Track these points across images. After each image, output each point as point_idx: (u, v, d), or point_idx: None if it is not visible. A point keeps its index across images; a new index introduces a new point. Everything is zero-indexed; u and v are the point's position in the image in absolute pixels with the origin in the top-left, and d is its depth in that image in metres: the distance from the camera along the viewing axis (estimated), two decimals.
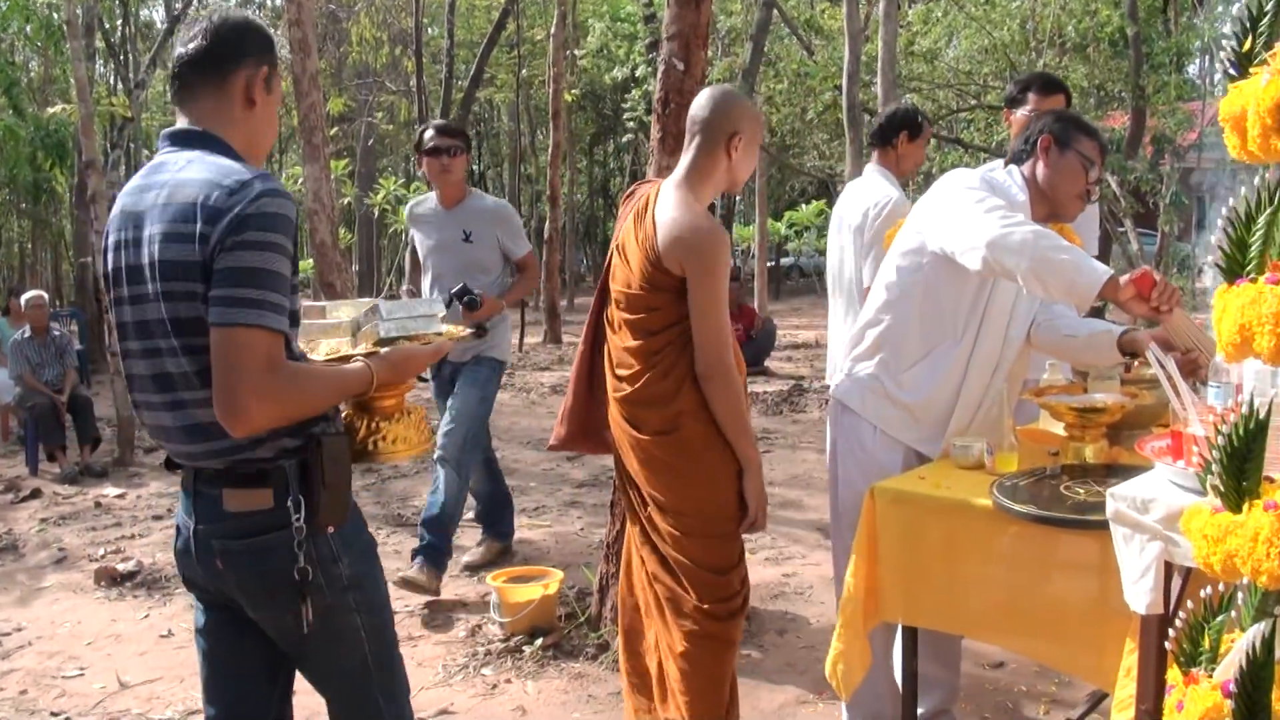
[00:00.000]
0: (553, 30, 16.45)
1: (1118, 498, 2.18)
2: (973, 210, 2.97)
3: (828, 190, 22.34)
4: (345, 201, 17.84)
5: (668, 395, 3.13)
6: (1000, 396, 2.97)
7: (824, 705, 3.99)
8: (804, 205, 23.67)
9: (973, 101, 16.05)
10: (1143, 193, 15.18)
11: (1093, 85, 15.60)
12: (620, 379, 3.23)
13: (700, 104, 3.20)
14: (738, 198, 26.64)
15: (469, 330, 2.85)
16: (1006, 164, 3.32)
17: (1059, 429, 3.10)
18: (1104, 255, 15.12)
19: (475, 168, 38.53)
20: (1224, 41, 1.58)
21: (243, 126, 2.25)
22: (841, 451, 3.39)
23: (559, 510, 7.03)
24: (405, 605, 5.24)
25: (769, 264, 23.29)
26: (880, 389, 3.28)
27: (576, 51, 19.22)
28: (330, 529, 2.24)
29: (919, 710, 3.34)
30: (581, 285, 34.63)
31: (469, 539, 6.15)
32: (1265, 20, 1.53)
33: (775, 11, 13.91)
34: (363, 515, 2.44)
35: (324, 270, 8.89)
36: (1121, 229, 15.55)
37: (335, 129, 24.52)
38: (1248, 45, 1.55)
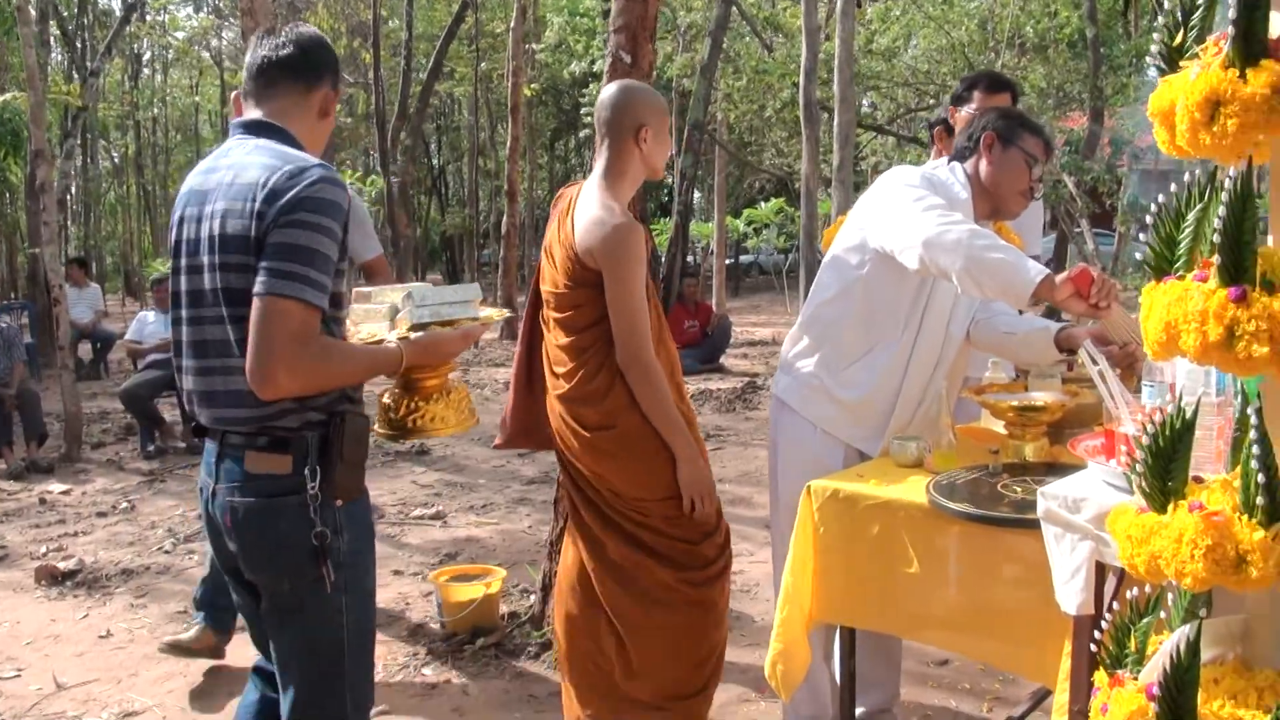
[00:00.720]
0: (512, 24, 16.36)
1: (1049, 497, 2.16)
2: (911, 209, 2.95)
3: (786, 188, 22.37)
4: None
5: (601, 391, 3.16)
6: (939, 394, 2.95)
7: (765, 704, 3.96)
8: (763, 203, 23.69)
9: (931, 101, 16.09)
10: (1100, 194, 15.27)
11: (1051, 86, 15.68)
12: (557, 376, 3.26)
13: (602, 103, 3.28)
14: (697, 194, 26.62)
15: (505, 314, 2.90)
16: (950, 161, 3.30)
17: (1000, 427, 3.08)
18: (1060, 255, 15.23)
19: (434, 162, 38.38)
20: (1154, 36, 1.55)
21: (310, 133, 2.44)
22: (782, 450, 3.37)
23: (507, 507, 6.98)
24: None
25: (728, 261, 23.30)
26: (820, 387, 3.26)
27: (535, 46, 19.12)
28: (340, 502, 2.35)
29: (860, 709, 3.32)
30: None
31: (415, 537, 6.08)
32: (1197, 14, 1.51)
33: (735, 8, 13.88)
34: (370, 501, 2.55)
35: None
36: (1078, 229, 15.65)
37: None
38: (1179, 39, 1.53)
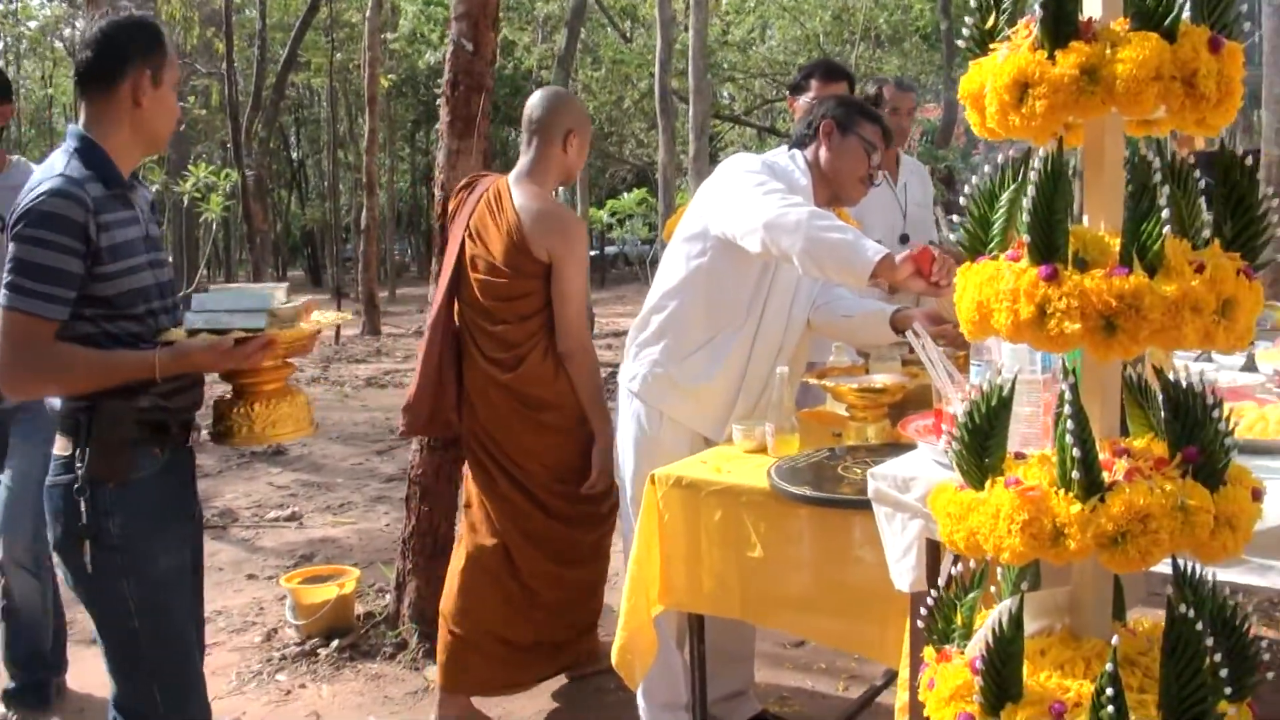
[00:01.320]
0: (368, 14, 16.08)
1: (878, 477, 2.18)
2: (751, 193, 2.96)
3: (647, 179, 22.43)
4: (154, 189, 17.07)
5: (550, 374, 3.58)
6: (781, 379, 2.97)
7: (623, 694, 3.95)
8: (625, 194, 23.72)
9: (788, 91, 16.28)
10: (957, 182, 15.65)
11: (906, 77, 16.02)
12: (495, 361, 3.58)
13: (534, 105, 3.62)
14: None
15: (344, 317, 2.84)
16: (790, 148, 3.33)
17: (843, 410, 3.12)
18: None
19: (294, 155, 37.59)
20: (965, 18, 1.57)
21: (131, 123, 2.45)
22: (629, 439, 3.36)
23: (365, 506, 6.85)
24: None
25: (594, 253, 23.28)
26: (665, 375, 3.26)
27: (390, 36, 18.82)
28: (110, 485, 2.40)
29: (715, 694, 3.33)
30: (405, 275, 34.08)
31: (270, 540, 5.93)
32: None
33: None
34: (184, 499, 2.61)
35: None
36: (933, 217, 15.97)
37: None
38: (990, 22, 1.55)
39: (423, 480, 4.49)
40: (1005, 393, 1.52)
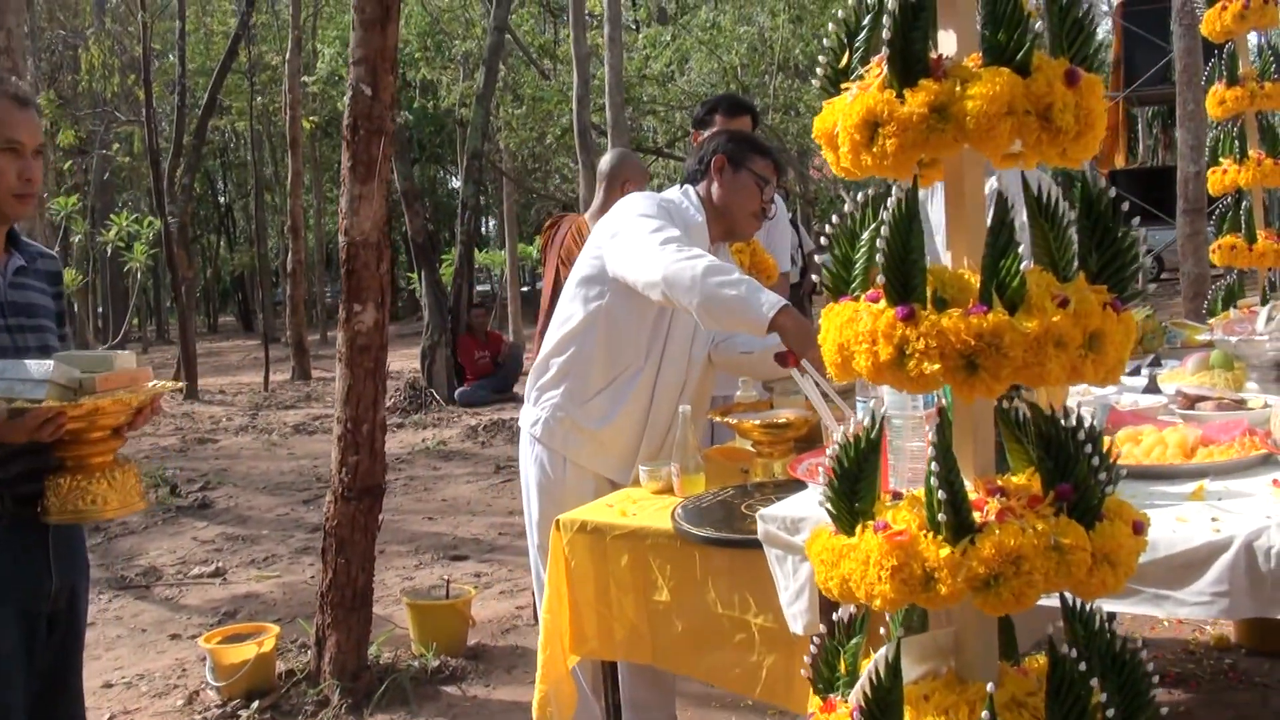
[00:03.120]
0: (287, 56, 15.98)
1: (768, 519, 2.15)
2: (648, 242, 2.93)
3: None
4: (76, 240, 16.85)
5: None
6: (684, 417, 2.94)
7: None
8: None
9: (692, 126, 16.32)
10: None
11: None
12: None
13: (604, 161, 4.80)
14: (490, 222, 26.37)
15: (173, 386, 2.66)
16: (682, 184, 3.31)
17: (751, 446, 3.08)
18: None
19: (221, 199, 37.23)
20: (820, 58, 1.55)
21: None
22: (534, 485, 3.30)
23: (290, 559, 6.72)
24: (122, 676, 4.92)
25: (524, 289, 23.22)
26: (567, 419, 3.21)
27: (308, 79, 18.69)
28: None
29: None
30: (334, 319, 33.75)
31: (194, 598, 5.78)
32: (861, 36, 1.51)
33: (509, 36, 13.85)
34: (19, 576, 2.42)
35: None
36: None
37: (69, 162, 23.21)
38: (844, 61, 1.53)
39: (338, 532, 4.40)
40: (874, 435, 1.49)
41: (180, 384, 2.72)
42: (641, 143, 15.43)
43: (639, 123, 15.53)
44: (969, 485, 1.51)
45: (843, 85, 1.49)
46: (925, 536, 1.41)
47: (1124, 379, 3.19)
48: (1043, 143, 1.40)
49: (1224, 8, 3.78)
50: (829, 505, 1.50)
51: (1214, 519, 1.87)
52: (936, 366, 1.36)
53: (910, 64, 1.41)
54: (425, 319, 13.13)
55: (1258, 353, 2.87)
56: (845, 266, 1.53)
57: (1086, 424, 1.47)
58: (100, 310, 30.09)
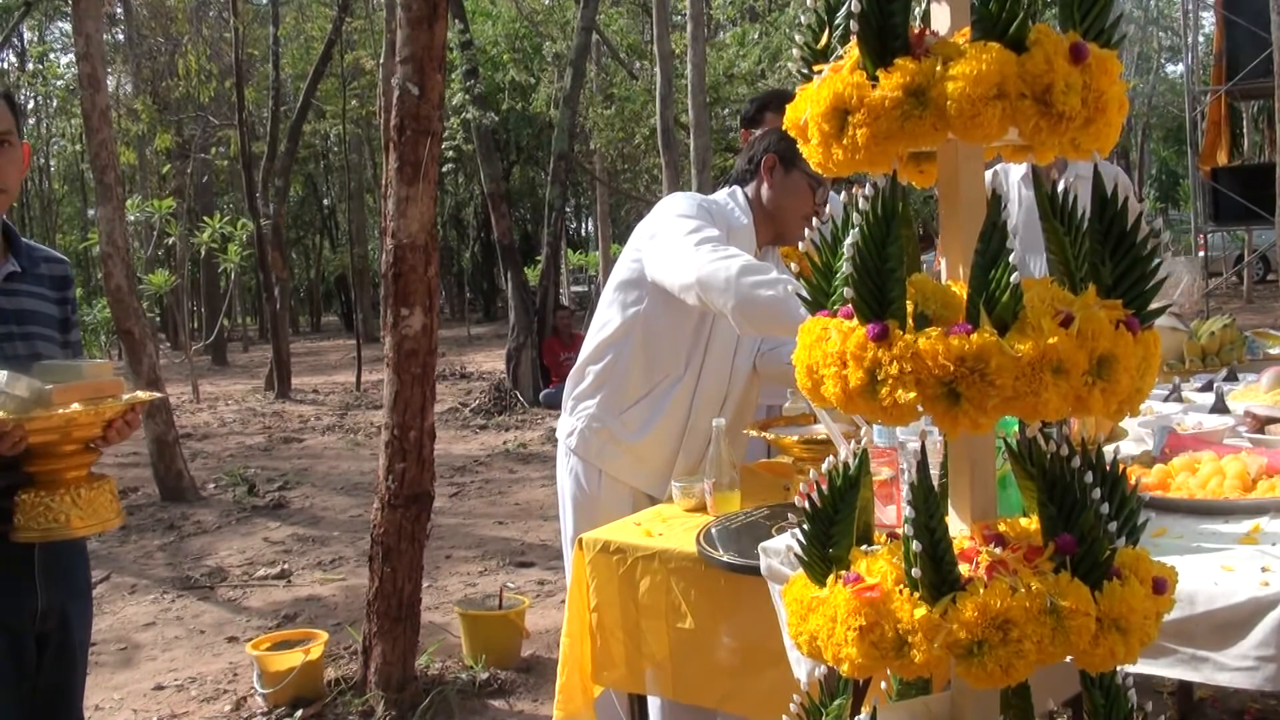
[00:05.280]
0: (381, 59, 16.02)
1: (769, 553, 1.95)
2: (683, 243, 2.76)
3: None
4: (170, 241, 17.10)
5: None
6: (718, 431, 2.75)
7: None
8: None
9: (741, 124, 16.02)
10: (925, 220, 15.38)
11: None
12: None
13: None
14: (571, 226, 26.19)
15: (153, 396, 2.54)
16: (730, 185, 3.12)
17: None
18: None
19: (325, 201, 37.76)
20: (796, 38, 1.35)
21: None
22: (569, 499, 3.14)
23: (356, 560, 6.64)
24: (175, 679, 4.89)
25: None
26: (603, 430, 3.04)
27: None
28: None
29: None
30: (440, 316, 33.92)
31: (257, 599, 5.74)
32: (843, 11, 1.31)
33: (599, 36, 13.74)
34: None
35: (120, 317, 8.44)
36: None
37: (169, 166, 23.69)
38: (823, 41, 1.33)
39: (385, 540, 4.29)
40: (852, 472, 1.29)
41: (156, 395, 2.56)
42: (732, 143, 15.17)
43: (728, 123, 15.28)
44: (965, 530, 1.30)
45: (816, 68, 1.30)
46: (900, 593, 1.20)
47: (1193, 395, 2.91)
48: (1042, 130, 1.18)
49: None
50: (799, 551, 1.30)
51: (1265, 568, 1.61)
52: (912, 395, 1.16)
53: (887, 40, 1.21)
54: (511, 321, 13.07)
55: None
56: (825, 277, 1.33)
57: (1101, 461, 1.26)
58: (192, 308, 30.71)
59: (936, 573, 1.18)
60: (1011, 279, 1.16)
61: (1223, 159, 14.72)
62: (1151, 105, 31.82)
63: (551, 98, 15.59)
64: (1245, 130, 23.26)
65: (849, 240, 1.21)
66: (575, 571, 2.68)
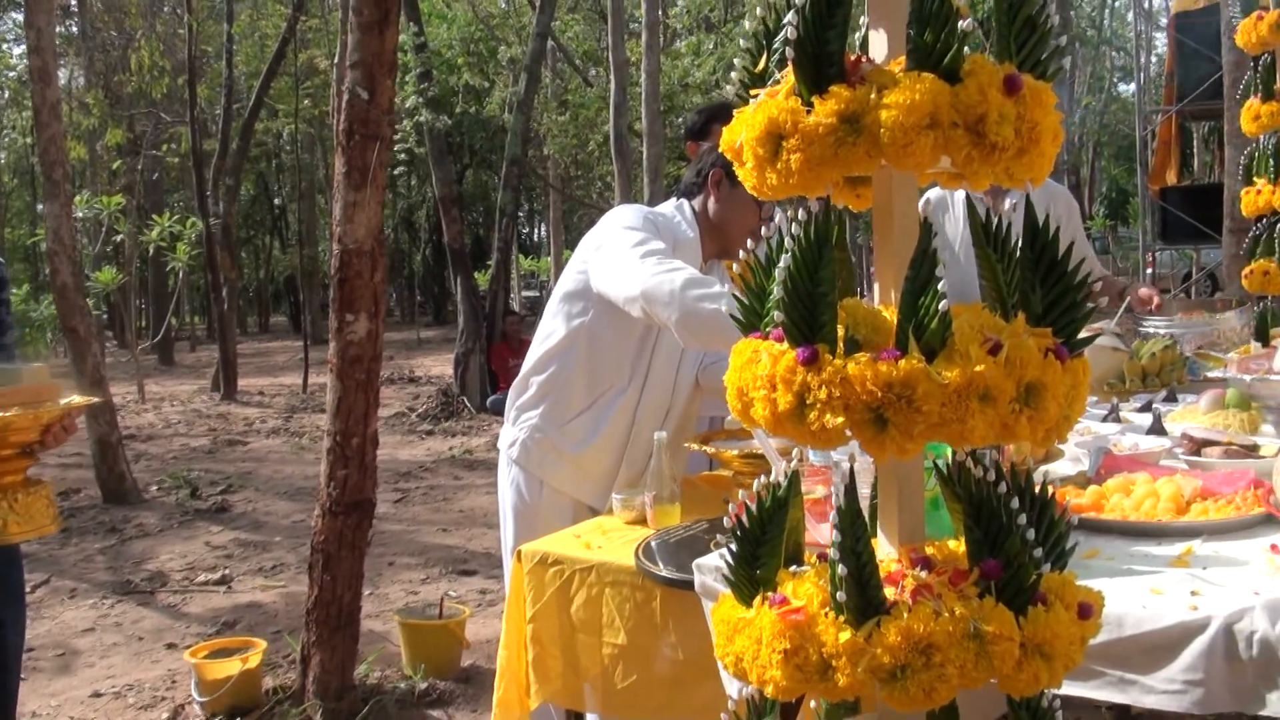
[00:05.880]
0: (335, 59, 15.93)
1: (703, 569, 1.96)
2: (629, 256, 2.76)
3: None
4: (119, 239, 16.90)
5: None
6: (659, 444, 2.75)
7: None
8: None
9: (687, 138, 16.07)
10: None
11: None
12: None
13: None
14: (524, 231, 26.14)
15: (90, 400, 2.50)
16: (678, 198, 3.13)
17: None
18: None
19: (276, 201, 37.44)
20: (736, 62, 1.36)
21: None
22: (510, 510, 3.13)
23: (297, 567, 6.58)
24: (112, 686, 4.82)
25: None
26: (545, 440, 3.04)
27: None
28: None
29: None
30: (389, 319, 33.78)
31: (196, 606, 5.68)
32: (780, 36, 1.32)
33: (553, 42, 13.72)
34: None
35: (65, 314, 8.32)
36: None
37: (119, 162, 23.38)
38: (761, 65, 1.34)
39: (325, 547, 4.25)
40: (781, 493, 1.30)
41: (94, 400, 2.53)
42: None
43: (682, 131, 15.32)
44: (893, 553, 1.31)
45: (752, 92, 1.30)
46: (825, 616, 1.21)
47: (1132, 416, 2.94)
48: (974, 160, 1.19)
49: (1259, 18, 3.53)
50: (727, 571, 1.31)
51: (1194, 592, 1.63)
52: (840, 420, 1.16)
53: (823, 67, 1.22)
54: (460, 326, 13.03)
55: (1274, 393, 2.61)
56: (760, 299, 1.33)
57: (1030, 486, 1.27)
58: (139, 305, 30.31)
59: (862, 596, 1.19)
60: (940, 306, 1.17)
61: (1172, 178, 14.93)
62: (1103, 123, 32.20)
63: (506, 102, 15.56)
64: (1195, 150, 23.62)
65: (781, 264, 1.22)
66: (513, 583, 2.67)
